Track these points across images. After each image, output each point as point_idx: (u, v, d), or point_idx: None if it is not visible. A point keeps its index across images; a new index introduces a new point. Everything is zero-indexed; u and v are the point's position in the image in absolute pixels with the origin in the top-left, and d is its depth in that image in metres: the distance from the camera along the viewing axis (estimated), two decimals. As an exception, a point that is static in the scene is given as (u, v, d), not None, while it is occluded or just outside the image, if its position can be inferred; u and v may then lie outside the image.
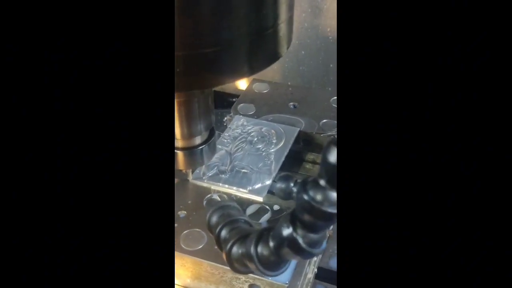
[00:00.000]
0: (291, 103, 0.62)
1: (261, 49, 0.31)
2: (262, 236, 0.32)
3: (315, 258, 0.48)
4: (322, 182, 0.26)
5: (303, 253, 0.29)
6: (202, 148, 0.39)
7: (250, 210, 0.50)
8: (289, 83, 0.76)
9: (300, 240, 0.28)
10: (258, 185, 0.50)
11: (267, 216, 0.49)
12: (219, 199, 0.50)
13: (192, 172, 0.51)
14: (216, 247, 0.37)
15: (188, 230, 0.47)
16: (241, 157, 0.53)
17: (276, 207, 0.50)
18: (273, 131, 0.57)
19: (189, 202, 0.50)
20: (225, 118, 0.61)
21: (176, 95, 0.34)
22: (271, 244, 0.31)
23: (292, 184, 0.44)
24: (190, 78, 0.29)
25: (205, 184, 0.51)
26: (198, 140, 0.39)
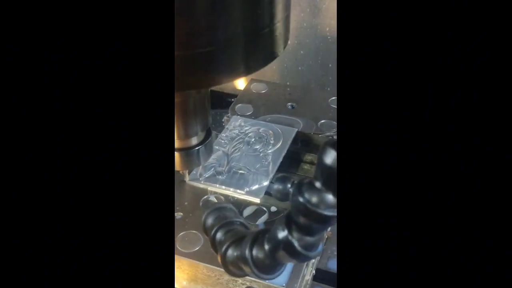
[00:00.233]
0: (289, 104, 0.62)
1: (257, 48, 0.31)
2: (257, 238, 0.31)
3: (313, 260, 0.47)
4: (317, 184, 0.26)
5: (299, 256, 0.29)
6: (198, 149, 0.39)
7: (247, 211, 0.50)
8: (288, 83, 0.75)
9: (296, 243, 0.28)
10: (255, 186, 0.50)
11: (264, 218, 0.49)
12: (215, 200, 0.50)
13: (189, 173, 0.51)
14: (212, 249, 0.37)
15: (184, 232, 0.46)
16: (239, 158, 0.53)
17: (273, 209, 0.50)
18: (270, 131, 0.56)
19: (186, 203, 0.50)
20: (223, 119, 0.61)
21: (172, 95, 0.34)
22: (266, 247, 0.30)
23: (289, 185, 0.44)
24: (186, 78, 0.29)
25: (201, 185, 0.51)
26: (194, 140, 0.39)
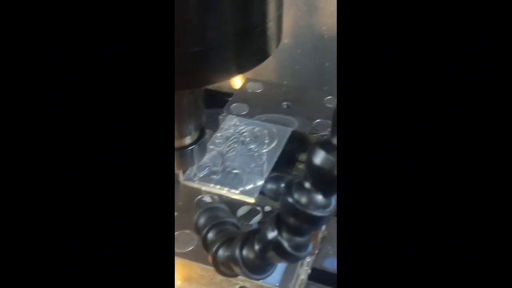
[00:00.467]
0: (285, 103, 0.61)
1: (250, 48, 0.31)
2: (248, 239, 0.31)
3: (308, 259, 0.47)
4: (307, 185, 0.26)
5: (289, 257, 0.29)
6: (192, 148, 0.39)
7: (242, 211, 0.49)
8: (284, 82, 0.75)
9: (285, 244, 0.28)
10: (249, 186, 0.49)
11: (258, 218, 0.49)
12: (210, 200, 0.50)
13: (183, 173, 0.51)
14: (206, 249, 0.37)
15: (178, 232, 0.46)
16: (233, 157, 0.53)
17: (267, 208, 0.50)
18: (265, 131, 0.56)
19: (180, 203, 0.50)
20: (220, 117, 0.61)
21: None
22: (257, 247, 0.30)
23: (283, 185, 0.44)
24: (178, 78, 0.29)
25: (196, 185, 0.50)
26: (188, 140, 0.39)
